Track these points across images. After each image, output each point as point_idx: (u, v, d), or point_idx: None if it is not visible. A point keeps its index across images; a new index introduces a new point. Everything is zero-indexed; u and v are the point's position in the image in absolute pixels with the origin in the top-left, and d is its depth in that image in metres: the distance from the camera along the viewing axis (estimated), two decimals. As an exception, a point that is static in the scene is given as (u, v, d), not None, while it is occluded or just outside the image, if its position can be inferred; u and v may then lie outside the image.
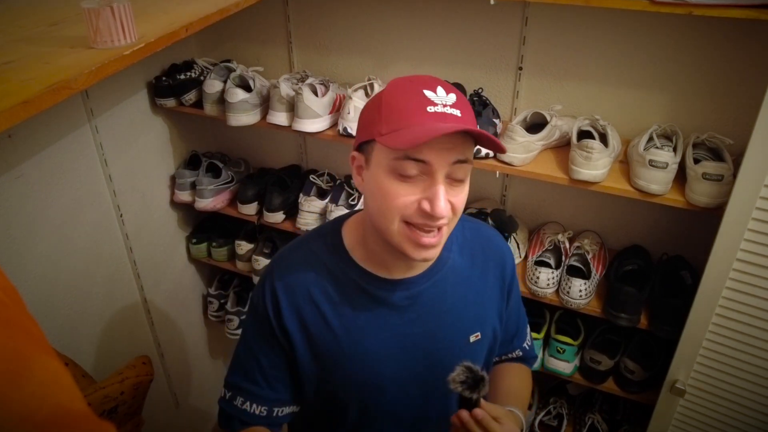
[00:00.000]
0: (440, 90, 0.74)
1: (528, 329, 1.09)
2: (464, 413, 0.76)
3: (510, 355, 1.06)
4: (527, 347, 1.07)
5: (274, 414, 0.93)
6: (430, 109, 0.71)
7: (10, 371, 0.43)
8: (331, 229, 0.91)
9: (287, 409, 0.94)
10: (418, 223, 0.75)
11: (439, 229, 0.76)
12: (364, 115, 0.79)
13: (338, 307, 0.87)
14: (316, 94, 1.47)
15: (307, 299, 0.87)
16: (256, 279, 1.81)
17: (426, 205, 0.73)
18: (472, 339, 0.91)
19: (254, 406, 0.91)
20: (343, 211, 1.57)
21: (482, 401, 0.77)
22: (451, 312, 0.90)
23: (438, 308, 0.89)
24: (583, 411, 1.72)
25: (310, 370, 0.89)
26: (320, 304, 0.87)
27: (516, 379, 1.04)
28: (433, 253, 0.79)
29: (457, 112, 0.72)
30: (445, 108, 0.72)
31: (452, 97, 0.74)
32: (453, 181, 0.75)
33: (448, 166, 0.73)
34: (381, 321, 0.87)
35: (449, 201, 0.74)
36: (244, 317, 1.97)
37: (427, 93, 0.73)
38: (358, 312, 0.87)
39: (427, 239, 0.76)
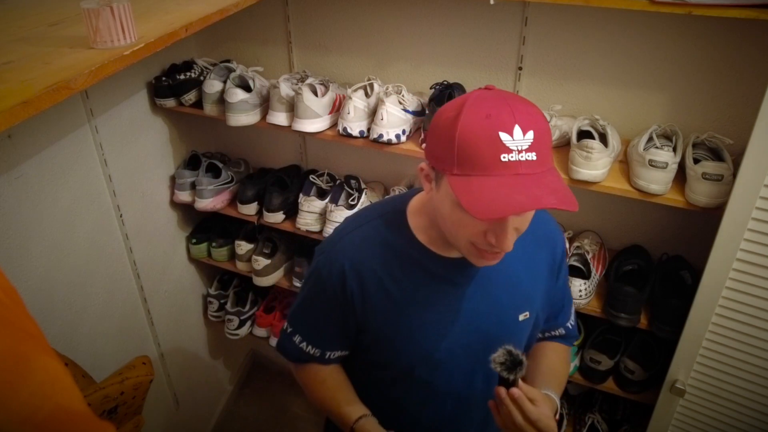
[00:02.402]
0: (517, 131, 0.71)
1: (573, 309, 1.11)
2: (501, 390, 0.82)
3: (553, 333, 1.09)
4: (570, 326, 1.10)
5: (326, 356, 1.02)
6: (504, 158, 0.70)
7: (9, 372, 0.43)
8: (393, 209, 0.96)
9: (338, 353, 1.03)
10: (484, 248, 0.80)
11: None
12: (437, 138, 0.77)
13: (399, 281, 0.92)
14: (315, 94, 1.47)
15: (371, 272, 0.92)
16: (256, 279, 1.81)
17: (492, 239, 0.77)
18: (521, 318, 0.96)
19: (309, 346, 1.01)
20: (343, 211, 1.57)
21: (520, 382, 0.82)
22: (504, 290, 0.95)
23: (492, 286, 0.94)
24: (583, 411, 1.72)
25: (368, 337, 0.97)
26: (383, 278, 0.92)
27: (557, 360, 1.07)
28: (495, 262, 0.84)
29: (532, 156, 0.71)
30: (521, 155, 0.70)
31: (529, 137, 0.71)
32: None
33: None
34: (439, 296, 0.92)
35: (516, 228, 0.78)
36: (244, 316, 1.98)
37: (503, 136, 0.70)
38: (417, 286, 0.92)
39: (492, 257, 0.82)
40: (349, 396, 1.02)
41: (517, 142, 0.70)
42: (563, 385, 1.05)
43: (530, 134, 0.71)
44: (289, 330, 1.04)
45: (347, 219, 1.02)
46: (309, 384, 1.05)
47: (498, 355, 0.81)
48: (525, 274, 0.96)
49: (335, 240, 0.97)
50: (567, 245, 1.04)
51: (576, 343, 1.52)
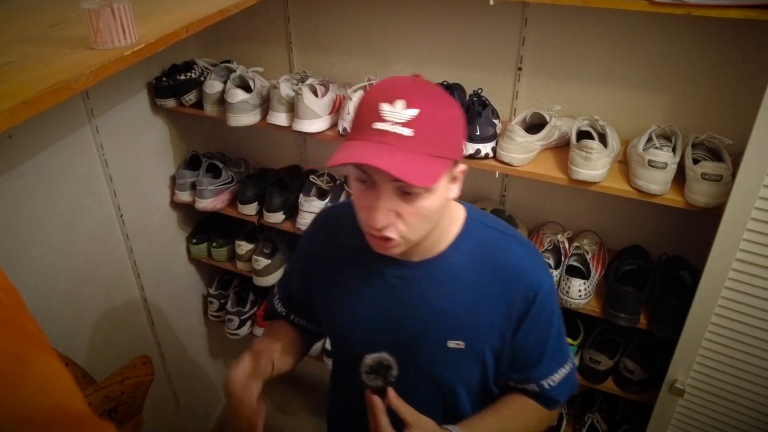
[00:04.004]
0: (399, 104, 0.71)
1: (563, 370, 0.96)
2: (367, 392, 0.79)
3: (524, 386, 0.96)
4: (547, 386, 0.94)
5: (291, 318, 1.10)
6: (376, 125, 0.71)
7: (10, 371, 0.43)
8: None
9: (302, 321, 1.10)
10: (370, 232, 0.79)
11: (390, 239, 0.78)
12: None
13: (347, 261, 0.95)
14: (315, 94, 1.47)
15: (333, 244, 0.98)
16: (256, 279, 1.82)
17: (367, 214, 0.77)
18: (451, 344, 0.89)
19: (279, 303, 1.10)
20: (342, 211, 1.58)
21: (393, 396, 0.79)
22: (437, 310, 0.89)
23: (425, 301, 0.90)
24: (582, 411, 1.73)
25: (318, 306, 1.02)
26: (336, 253, 0.97)
27: (511, 412, 0.96)
28: (392, 251, 0.81)
29: (407, 132, 0.70)
30: (394, 126, 0.70)
31: (411, 113, 0.70)
32: (404, 193, 0.75)
33: (390, 182, 0.73)
34: (370, 289, 0.93)
35: (396, 212, 0.75)
36: (245, 316, 1.98)
37: (383, 106, 0.71)
38: (354, 273, 0.94)
39: (379, 243, 0.79)
40: (272, 340, 1.00)
41: (395, 114, 0.70)
42: None
43: (413, 111, 0.70)
44: (275, 289, 1.12)
45: None
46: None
47: (369, 357, 0.78)
48: (467, 301, 0.88)
49: (320, 212, 1.08)
50: (549, 294, 0.91)
51: (575, 343, 1.52)
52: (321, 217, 1.05)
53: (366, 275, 0.92)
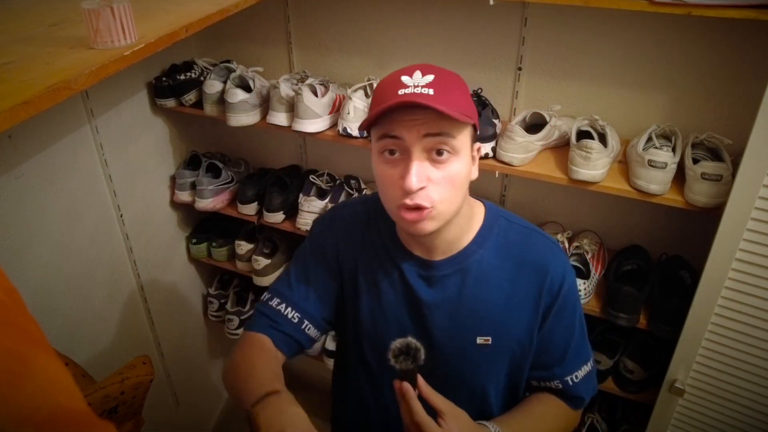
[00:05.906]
0: (417, 74, 0.77)
1: (586, 367, 0.96)
2: (396, 381, 0.76)
3: (547, 384, 0.96)
4: (570, 382, 0.94)
5: (303, 326, 0.94)
6: (401, 92, 0.75)
7: (10, 371, 0.43)
8: None
9: (314, 331, 0.96)
10: (403, 203, 0.78)
11: (424, 208, 0.78)
12: None
13: (369, 262, 0.94)
14: (315, 94, 1.47)
15: (351, 242, 0.95)
16: (256, 279, 1.82)
17: (401, 181, 0.77)
18: (479, 341, 0.90)
19: (288, 309, 0.94)
20: (342, 211, 1.58)
21: (422, 383, 0.76)
22: (464, 307, 0.89)
23: (455, 299, 0.90)
24: (582, 411, 1.72)
25: (347, 308, 0.98)
26: (357, 253, 0.95)
27: (538, 410, 0.95)
28: (425, 227, 0.79)
29: (428, 91, 0.74)
30: (416, 89, 0.74)
31: (428, 78, 0.76)
32: (435, 156, 0.77)
33: (420, 140, 0.75)
34: (395, 293, 0.92)
35: (428, 177, 0.77)
36: (245, 316, 1.98)
37: (404, 78, 0.76)
38: (378, 275, 0.93)
39: (409, 214, 0.78)
40: (276, 371, 0.88)
41: (415, 80, 0.76)
42: None
43: (429, 77, 0.76)
44: (266, 298, 0.97)
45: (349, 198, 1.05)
46: (244, 345, 0.91)
47: (397, 341, 0.75)
48: (494, 297, 0.89)
49: (333, 209, 1.04)
50: (571, 286, 0.91)
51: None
52: (329, 221, 1.00)
53: (393, 282, 0.92)
